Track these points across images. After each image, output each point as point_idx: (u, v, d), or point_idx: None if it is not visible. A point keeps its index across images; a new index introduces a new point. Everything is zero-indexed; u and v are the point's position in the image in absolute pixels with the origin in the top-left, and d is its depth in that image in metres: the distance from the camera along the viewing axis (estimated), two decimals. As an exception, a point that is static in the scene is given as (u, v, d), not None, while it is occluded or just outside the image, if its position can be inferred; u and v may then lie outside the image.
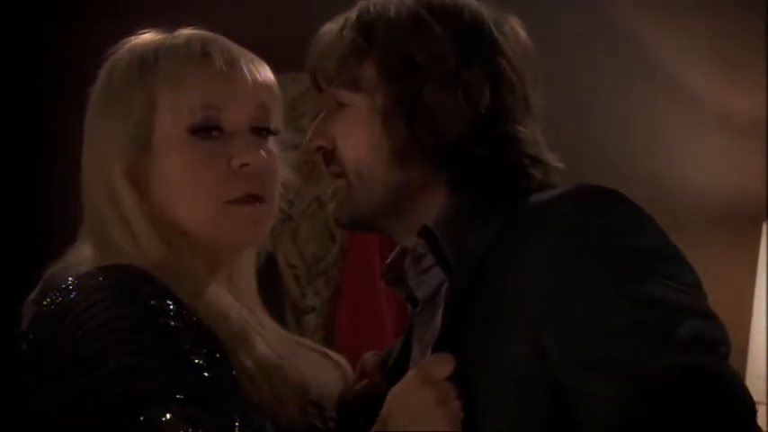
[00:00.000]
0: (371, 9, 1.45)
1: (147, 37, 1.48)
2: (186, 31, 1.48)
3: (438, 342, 1.35)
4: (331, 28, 1.47)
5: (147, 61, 1.44)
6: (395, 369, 1.52)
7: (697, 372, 1.22)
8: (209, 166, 1.42)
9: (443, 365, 1.30)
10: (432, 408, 1.27)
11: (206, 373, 1.29)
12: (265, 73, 1.48)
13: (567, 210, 1.32)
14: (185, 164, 1.42)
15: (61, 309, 1.32)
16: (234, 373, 1.33)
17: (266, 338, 1.46)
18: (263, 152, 1.44)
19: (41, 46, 3.22)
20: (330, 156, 1.46)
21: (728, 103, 3.27)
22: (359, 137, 1.43)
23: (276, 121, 1.48)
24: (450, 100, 1.40)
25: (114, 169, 1.43)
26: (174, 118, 1.42)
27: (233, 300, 1.47)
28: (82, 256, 1.42)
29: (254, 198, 1.44)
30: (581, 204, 1.33)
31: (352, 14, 1.46)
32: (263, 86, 1.47)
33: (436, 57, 1.40)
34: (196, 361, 1.29)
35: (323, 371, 1.52)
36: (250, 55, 1.49)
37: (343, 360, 1.58)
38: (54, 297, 1.34)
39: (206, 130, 1.42)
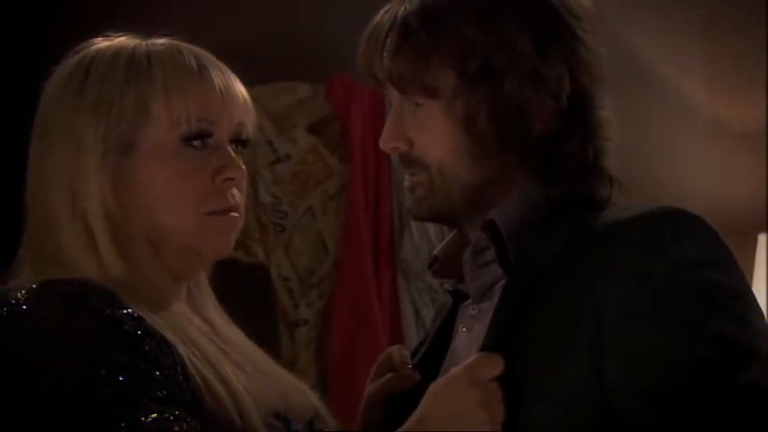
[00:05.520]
0: (431, 4, 1.39)
1: (124, 41, 1.46)
2: (164, 40, 1.47)
3: (487, 341, 1.33)
4: (386, 24, 1.41)
5: (139, 65, 1.42)
6: (427, 358, 1.50)
7: (757, 416, 1.21)
8: (196, 177, 1.41)
9: (493, 366, 1.27)
10: (476, 408, 1.24)
11: (177, 377, 1.29)
12: (243, 87, 1.48)
13: (645, 234, 1.29)
14: (174, 172, 1.41)
15: (11, 324, 1.29)
16: (192, 385, 1.31)
17: (228, 351, 1.45)
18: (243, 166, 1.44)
19: (41, 46, 3.21)
20: (407, 156, 1.43)
21: (727, 113, 3.27)
22: (439, 138, 1.39)
23: (248, 133, 1.48)
24: (533, 95, 1.37)
25: (91, 171, 1.40)
26: (169, 126, 1.41)
27: (191, 314, 1.46)
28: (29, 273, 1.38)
29: (230, 210, 1.44)
30: (660, 229, 1.29)
31: (410, 9, 1.40)
32: (247, 102, 1.47)
33: (513, 54, 1.36)
34: (163, 362, 1.28)
35: (288, 382, 1.51)
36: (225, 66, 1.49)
37: (307, 388, 1.56)
38: (1, 313, 1.31)
39: (200, 139, 1.42)
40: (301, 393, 1.51)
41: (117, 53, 1.43)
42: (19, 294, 1.32)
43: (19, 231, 1.44)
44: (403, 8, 1.40)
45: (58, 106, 1.44)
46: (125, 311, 1.30)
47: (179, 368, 1.30)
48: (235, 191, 1.44)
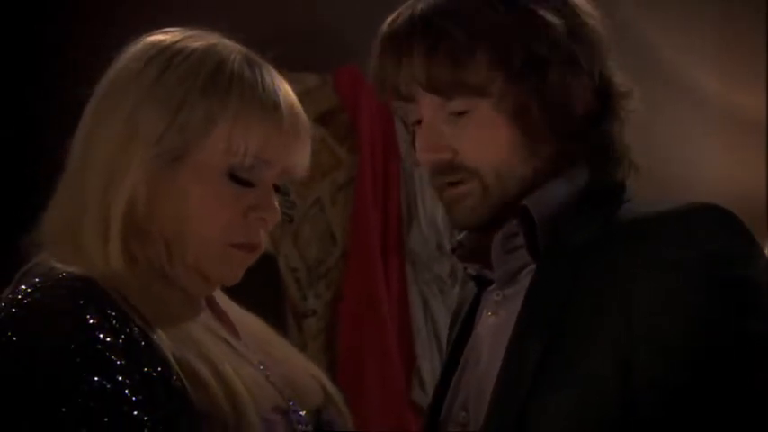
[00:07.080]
0: (456, 2, 1.37)
1: (213, 44, 1.43)
2: (252, 55, 1.43)
3: (519, 327, 1.33)
4: (404, 31, 1.38)
5: (221, 80, 1.39)
6: (458, 340, 1.50)
7: None
8: (232, 207, 1.40)
9: None
10: None
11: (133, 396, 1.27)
12: (307, 125, 1.45)
13: (677, 229, 1.29)
14: (212, 196, 1.39)
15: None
16: (183, 386, 1.30)
17: (233, 343, 1.44)
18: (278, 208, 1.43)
19: (41, 46, 3.22)
20: (450, 165, 1.39)
21: (730, 104, 3.27)
22: (494, 139, 1.37)
23: (298, 175, 1.47)
24: (575, 78, 1.37)
25: (134, 163, 1.38)
26: (224, 152, 1.38)
27: (195, 314, 1.44)
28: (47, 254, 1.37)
29: (255, 247, 1.42)
30: (692, 224, 1.29)
31: (429, 9, 1.37)
32: (307, 145, 1.44)
33: (554, 43, 1.36)
34: (119, 378, 1.27)
35: (301, 368, 1.51)
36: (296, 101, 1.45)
37: (321, 373, 1.56)
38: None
39: (248, 173, 1.39)
40: (313, 380, 1.50)
41: (204, 57, 1.41)
42: (11, 296, 1.31)
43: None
44: (419, 10, 1.37)
45: (127, 85, 1.40)
46: (112, 321, 1.29)
47: (157, 372, 1.29)
48: (261, 230, 1.42)
